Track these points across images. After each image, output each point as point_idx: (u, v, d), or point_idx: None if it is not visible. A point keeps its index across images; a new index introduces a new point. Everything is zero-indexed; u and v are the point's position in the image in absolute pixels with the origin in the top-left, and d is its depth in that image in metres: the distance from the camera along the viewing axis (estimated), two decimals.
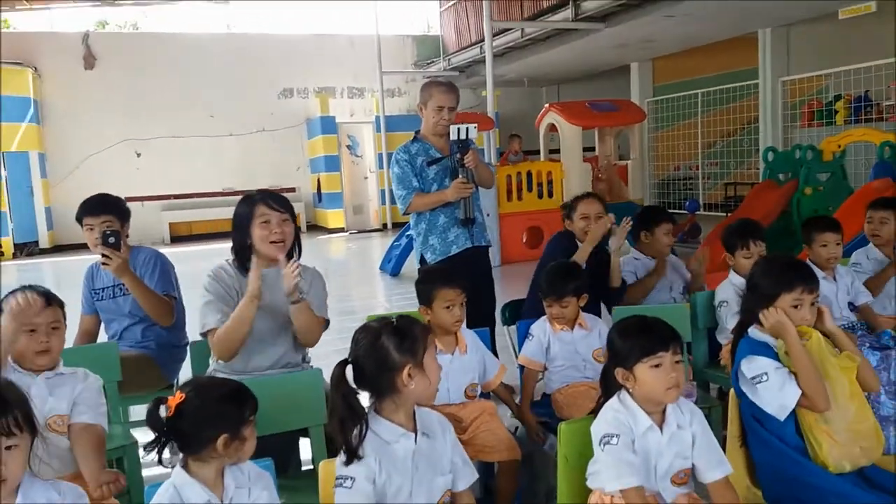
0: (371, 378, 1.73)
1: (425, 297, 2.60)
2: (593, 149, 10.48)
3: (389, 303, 7.51)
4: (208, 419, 1.62)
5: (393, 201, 13.46)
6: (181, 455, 1.65)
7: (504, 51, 12.23)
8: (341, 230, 14.56)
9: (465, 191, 3.59)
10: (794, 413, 2.02)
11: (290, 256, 2.61)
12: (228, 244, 2.72)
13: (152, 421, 1.63)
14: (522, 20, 10.85)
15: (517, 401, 2.86)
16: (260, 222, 2.57)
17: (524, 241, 8.89)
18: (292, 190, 15.45)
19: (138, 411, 3.28)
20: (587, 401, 2.63)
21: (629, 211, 7.59)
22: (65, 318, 2.20)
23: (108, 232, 3.02)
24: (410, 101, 16.24)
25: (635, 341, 1.81)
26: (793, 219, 7.10)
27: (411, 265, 8.98)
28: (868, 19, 9.12)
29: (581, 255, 3.37)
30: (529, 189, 8.80)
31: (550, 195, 8.83)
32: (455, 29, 14.51)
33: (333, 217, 14.59)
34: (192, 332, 3.40)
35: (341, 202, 14.64)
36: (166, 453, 1.64)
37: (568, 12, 9.84)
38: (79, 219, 3.24)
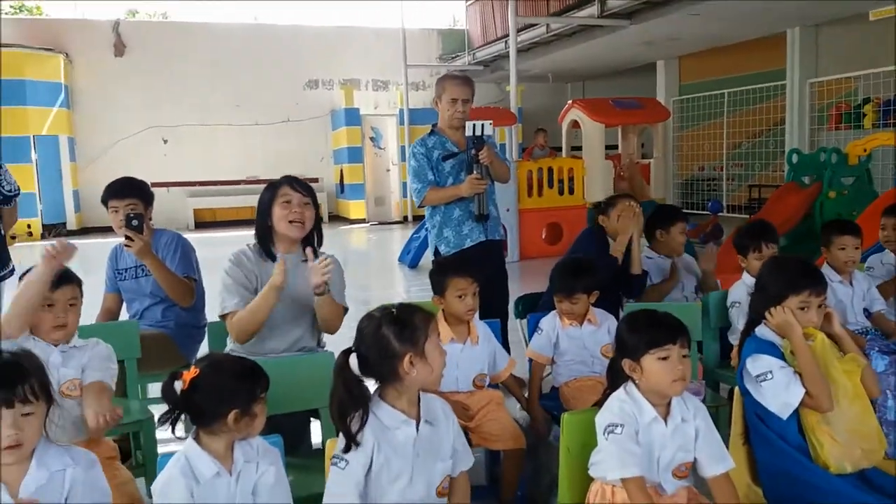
0: (374, 366, 1.77)
1: (438, 287, 2.65)
2: (616, 147, 10.44)
3: (408, 294, 7.57)
4: (220, 394, 1.68)
5: None
6: (193, 428, 1.71)
7: (529, 46, 12.22)
8: (363, 221, 14.66)
9: (479, 186, 3.63)
10: (796, 413, 2.04)
11: (310, 244, 2.67)
12: (251, 231, 2.80)
13: (167, 394, 1.71)
14: (548, 16, 10.83)
15: (525, 393, 2.91)
16: (281, 202, 2.65)
17: (543, 237, 8.90)
18: (315, 180, 15.57)
19: (156, 389, 3.36)
20: (593, 394, 2.64)
21: (651, 209, 7.62)
22: (82, 296, 2.29)
23: (132, 215, 3.10)
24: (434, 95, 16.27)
25: (644, 333, 1.84)
26: (815, 222, 7.04)
27: (430, 257, 9.04)
28: None
29: (618, 249, 3.42)
30: (550, 185, 8.80)
31: (571, 192, 8.83)
32: (481, 23, 14.50)
33: (355, 208, 14.70)
34: (211, 314, 3.50)
35: (363, 193, 14.74)
36: (180, 427, 1.71)
37: (594, 9, 9.82)
38: (104, 201, 3.33)
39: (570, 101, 9.13)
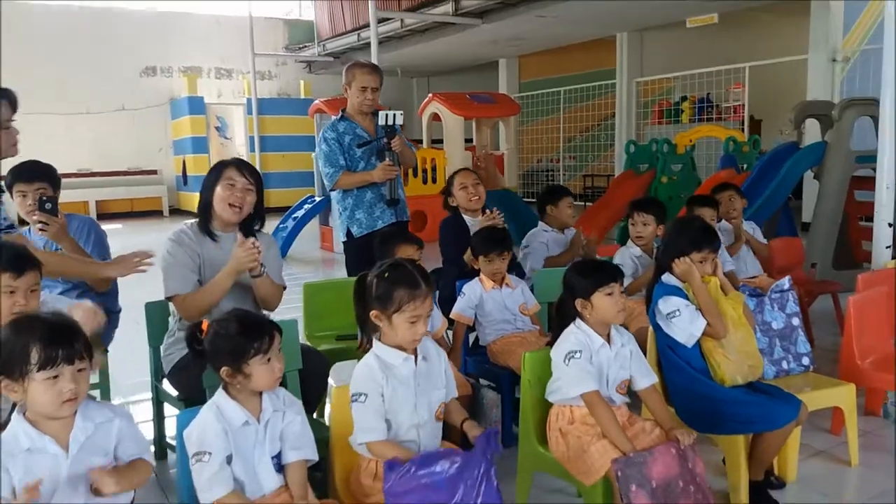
0: (359, 307, 2.07)
1: (387, 256, 2.87)
2: (470, 139, 11.02)
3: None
4: (214, 351, 1.85)
5: (268, 185, 13.37)
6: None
7: (382, 40, 12.43)
8: None
9: (391, 173, 3.86)
10: (698, 342, 2.53)
11: (249, 232, 2.74)
12: None
13: (188, 342, 1.89)
14: (403, 11, 11.16)
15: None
16: (225, 183, 2.67)
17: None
18: (153, 172, 14.87)
19: None
20: (520, 347, 3.05)
21: (506, 198, 8.23)
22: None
23: (45, 198, 3.03)
24: (281, 85, 16.08)
25: (593, 276, 2.24)
26: None
27: (299, 247, 9.07)
28: (711, 29, 10.32)
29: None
30: (415, 175, 9.16)
31: (434, 181, 9.24)
32: (329, 15, 14.53)
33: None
34: (127, 297, 3.48)
35: None
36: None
37: (448, 6, 10.28)
38: (9, 186, 3.18)
39: (430, 95, 9.53)
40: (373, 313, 2.00)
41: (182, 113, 14.15)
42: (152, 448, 2.92)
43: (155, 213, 14.12)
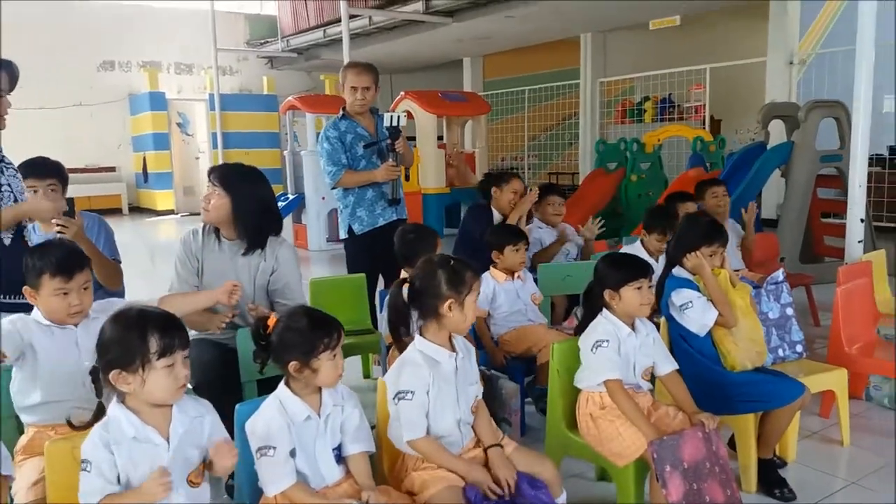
0: (421, 299, 2.09)
1: (429, 251, 2.92)
2: (440, 137, 11.10)
3: None
4: (284, 345, 1.88)
5: None
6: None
7: (350, 37, 12.43)
8: (171, 212, 13.96)
9: (394, 173, 3.95)
10: (709, 331, 2.69)
11: (256, 243, 2.76)
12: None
13: (255, 337, 1.92)
14: (371, 8, 11.17)
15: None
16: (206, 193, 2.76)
17: None
18: (112, 169, 14.54)
19: None
20: (533, 336, 3.18)
21: (476, 196, 8.31)
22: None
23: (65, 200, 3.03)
24: (243, 80, 15.89)
25: (624, 270, 2.36)
26: (620, 201, 8.23)
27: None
28: (673, 31, 10.64)
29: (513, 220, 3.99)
30: (407, 176, 9.18)
31: (407, 178, 9.23)
32: (292, 10, 14.43)
33: (162, 198, 13.95)
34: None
35: (171, 183, 14.03)
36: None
37: (419, 5, 10.34)
38: None
39: (402, 93, 9.56)
40: (448, 302, 2.04)
41: (142, 109, 13.87)
42: None
43: (114, 211, 13.81)
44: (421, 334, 2.13)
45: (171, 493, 1.59)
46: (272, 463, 1.80)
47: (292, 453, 1.84)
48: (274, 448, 1.80)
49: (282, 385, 1.91)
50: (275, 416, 1.84)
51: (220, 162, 13.70)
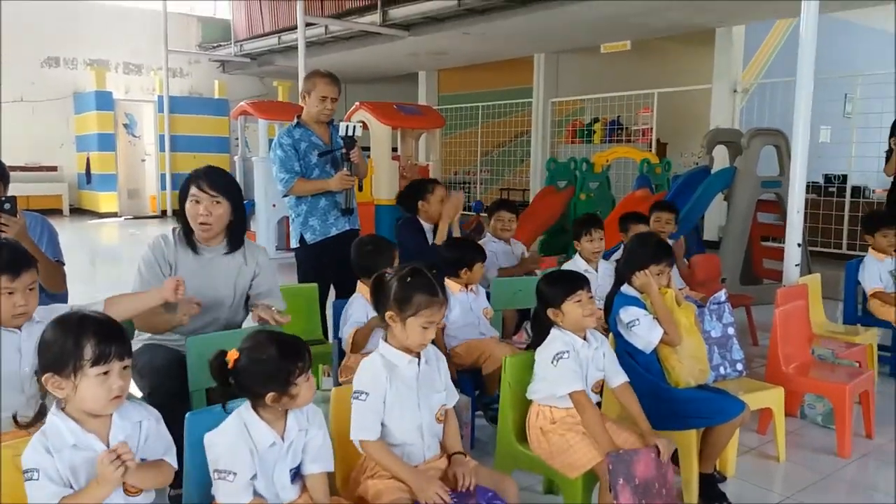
0: (377, 302, 2.11)
1: (385, 264, 2.93)
2: (395, 149, 11.12)
3: None
4: (257, 377, 1.78)
5: (175, 187, 12.94)
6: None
7: (305, 45, 12.37)
8: (114, 215, 13.59)
9: (348, 182, 3.94)
10: (654, 348, 2.77)
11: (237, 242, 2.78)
12: None
13: (214, 373, 1.82)
14: (328, 17, 11.15)
15: None
16: (192, 200, 2.65)
17: None
18: (53, 169, 14.08)
19: None
20: (486, 348, 3.21)
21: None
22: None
23: (4, 198, 2.93)
24: (193, 83, 15.61)
25: (561, 285, 2.43)
26: (569, 219, 8.39)
27: None
28: (623, 55, 10.92)
29: (440, 236, 4.08)
30: (359, 187, 9.15)
31: (360, 188, 9.23)
32: (246, 15, 14.28)
33: (105, 200, 13.57)
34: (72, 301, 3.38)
35: (115, 185, 13.66)
36: None
37: (376, 16, 10.37)
38: None
39: (357, 103, 9.54)
40: (388, 313, 2.04)
41: (87, 108, 13.49)
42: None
43: (55, 212, 13.35)
44: (386, 340, 2.13)
45: (126, 472, 1.55)
46: (231, 487, 1.76)
47: (253, 478, 1.79)
48: (234, 474, 1.75)
49: (247, 408, 1.83)
50: (238, 442, 1.78)
51: (168, 165, 13.50)
